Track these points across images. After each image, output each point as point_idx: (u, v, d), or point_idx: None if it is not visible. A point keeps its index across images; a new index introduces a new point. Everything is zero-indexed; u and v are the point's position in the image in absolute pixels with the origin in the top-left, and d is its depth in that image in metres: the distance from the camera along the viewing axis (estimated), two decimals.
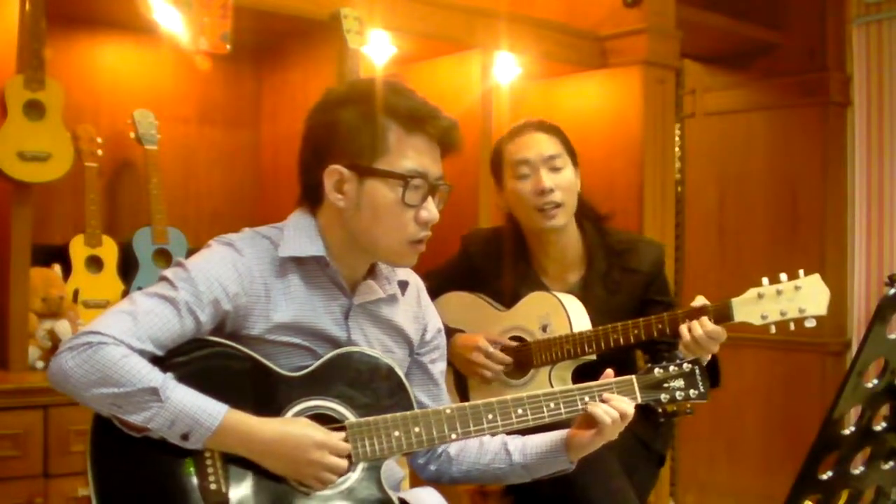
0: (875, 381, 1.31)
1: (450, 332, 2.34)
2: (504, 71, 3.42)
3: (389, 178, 1.60)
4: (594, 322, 2.25)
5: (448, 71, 3.31)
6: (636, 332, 2.17)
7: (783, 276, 2.06)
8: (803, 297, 2.03)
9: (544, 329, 2.28)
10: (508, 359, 2.30)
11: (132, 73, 2.99)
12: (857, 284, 4.22)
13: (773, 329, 2.07)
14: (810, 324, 2.04)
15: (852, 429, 1.31)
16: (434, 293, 2.44)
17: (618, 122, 3.43)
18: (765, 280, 2.08)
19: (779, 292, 2.05)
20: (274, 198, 3.15)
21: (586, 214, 2.39)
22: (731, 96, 4.50)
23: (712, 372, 2.14)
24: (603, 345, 2.20)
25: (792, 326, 2.06)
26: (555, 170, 2.30)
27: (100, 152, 2.78)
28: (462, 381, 2.40)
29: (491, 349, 2.29)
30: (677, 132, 4.43)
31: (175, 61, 2.95)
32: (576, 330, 2.23)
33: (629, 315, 2.23)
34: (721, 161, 4.52)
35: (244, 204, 3.20)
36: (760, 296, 2.06)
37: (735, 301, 2.08)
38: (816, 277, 2.04)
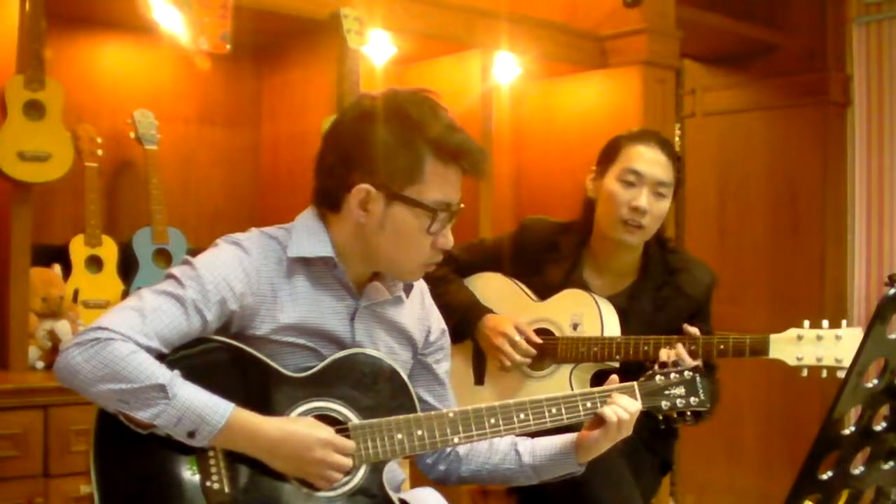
0: (875, 381, 1.31)
1: (482, 310, 2.34)
2: (504, 71, 3.42)
3: (418, 207, 1.60)
4: (632, 333, 2.23)
5: (448, 71, 3.31)
6: (668, 348, 2.15)
7: (825, 323, 2.06)
8: (842, 347, 2.02)
9: (574, 327, 2.26)
10: (533, 351, 2.28)
11: (132, 73, 2.99)
12: (857, 284, 4.22)
13: (804, 372, 2.07)
14: (842, 374, 2.02)
15: (852, 429, 1.31)
16: (471, 269, 2.44)
17: (618, 121, 3.42)
18: (806, 322, 2.07)
19: (818, 338, 2.05)
20: (274, 198, 3.16)
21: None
22: (731, 96, 4.50)
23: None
24: (632, 354, 2.18)
25: (824, 374, 2.06)
26: (658, 196, 2.27)
27: (100, 152, 2.78)
28: (480, 360, 2.39)
29: (517, 338, 2.28)
30: (677, 132, 4.43)
31: (175, 61, 2.95)
32: (606, 335, 2.22)
33: (669, 334, 2.21)
34: (721, 161, 4.52)
35: (244, 204, 3.20)
36: (800, 337, 2.06)
37: (773, 337, 2.08)
38: (858, 331, 2.03)
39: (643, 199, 2.25)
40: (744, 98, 4.45)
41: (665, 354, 2.06)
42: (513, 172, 3.79)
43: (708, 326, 2.33)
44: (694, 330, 2.16)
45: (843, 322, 2.05)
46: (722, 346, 2.12)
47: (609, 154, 2.34)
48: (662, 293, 2.31)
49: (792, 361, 2.06)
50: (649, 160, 2.28)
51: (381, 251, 1.64)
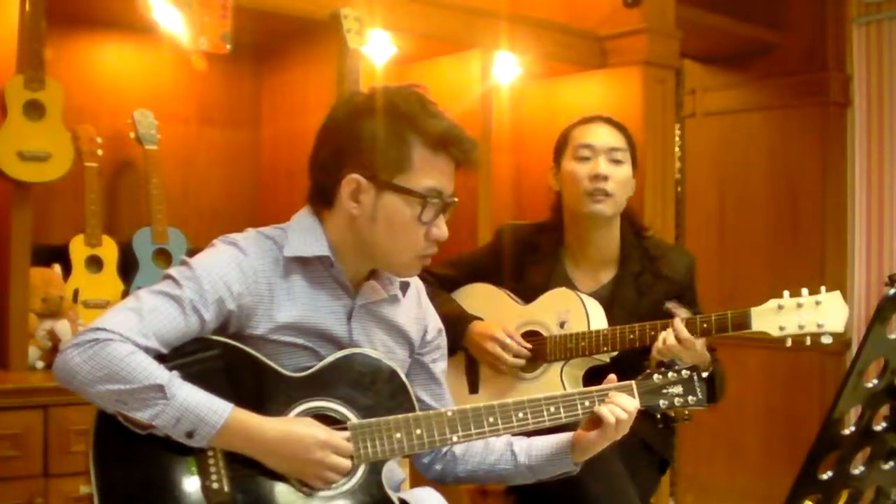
0: (875, 381, 1.31)
1: (469, 318, 2.36)
2: (504, 71, 3.42)
3: (409, 195, 1.61)
4: (619, 323, 2.25)
5: (448, 71, 3.31)
6: (653, 334, 2.17)
7: (804, 291, 2.08)
8: (823, 312, 2.04)
9: (562, 325, 2.28)
10: (525, 352, 2.30)
11: (132, 73, 2.99)
12: (857, 284, 4.22)
13: (788, 342, 2.08)
14: (826, 340, 2.05)
15: (852, 429, 1.31)
16: (458, 283, 2.47)
17: None
18: (785, 293, 2.08)
19: (799, 305, 2.06)
20: (273, 198, 3.16)
21: (628, 218, 2.41)
22: (731, 96, 4.50)
23: (708, 388, 2.17)
24: (619, 344, 2.20)
25: (808, 341, 2.07)
26: (615, 162, 2.34)
27: (100, 152, 2.78)
28: (473, 367, 2.40)
29: (507, 341, 2.30)
30: (677, 132, 4.42)
31: (175, 61, 2.95)
32: (593, 329, 2.23)
33: (653, 320, 2.22)
34: (721, 161, 4.52)
35: (244, 204, 3.20)
36: (780, 307, 2.08)
37: (754, 310, 2.10)
38: (837, 294, 2.05)
39: (601, 166, 2.31)
40: (744, 98, 4.45)
41: (661, 338, 2.09)
42: (513, 172, 3.79)
43: (696, 309, 2.34)
44: (681, 310, 2.16)
45: (823, 288, 2.06)
46: (705, 325, 2.14)
47: (560, 144, 2.43)
48: (643, 279, 2.34)
49: (775, 332, 2.08)
50: (596, 132, 2.37)
51: (375, 244, 1.64)
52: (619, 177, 2.33)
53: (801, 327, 2.06)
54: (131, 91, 2.96)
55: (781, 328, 2.07)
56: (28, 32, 2.44)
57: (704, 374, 2.10)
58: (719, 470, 4.45)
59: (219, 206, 3.16)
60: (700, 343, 2.13)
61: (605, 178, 2.30)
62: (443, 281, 2.45)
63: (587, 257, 2.39)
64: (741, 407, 4.29)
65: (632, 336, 2.19)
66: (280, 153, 3.14)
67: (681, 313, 2.16)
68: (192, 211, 3.09)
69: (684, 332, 2.10)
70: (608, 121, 2.40)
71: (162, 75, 3.03)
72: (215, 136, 3.17)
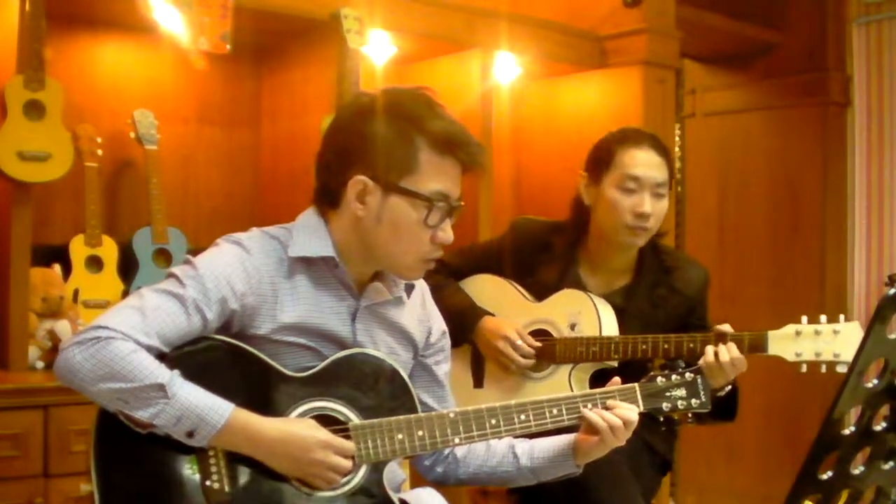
0: (875, 381, 1.31)
1: (480, 312, 2.35)
2: (504, 71, 3.42)
3: (415, 198, 1.60)
4: (630, 332, 2.24)
5: (448, 71, 3.31)
6: (666, 346, 2.16)
7: (823, 318, 2.06)
8: (840, 342, 2.03)
9: (572, 327, 2.27)
10: (533, 353, 2.29)
11: (132, 73, 2.99)
12: (857, 284, 4.22)
13: (804, 368, 2.07)
14: (841, 369, 2.03)
15: (852, 429, 1.31)
16: (463, 274, 2.45)
17: (618, 122, 3.38)
18: (804, 318, 2.08)
19: (817, 333, 2.05)
20: (273, 198, 3.16)
21: None
22: (731, 96, 4.50)
23: (730, 404, 2.18)
24: (630, 353, 2.19)
25: (823, 369, 2.06)
26: (658, 196, 2.28)
27: (100, 152, 2.78)
28: (479, 361, 2.39)
29: (519, 342, 2.29)
30: (677, 132, 4.43)
31: (175, 61, 2.95)
32: (604, 334, 2.23)
33: (666, 332, 2.22)
34: (721, 161, 4.52)
35: (244, 204, 3.20)
36: (798, 333, 2.07)
37: (771, 334, 2.09)
38: (856, 325, 2.04)
39: (647, 204, 2.25)
40: (744, 98, 4.45)
41: (711, 351, 2.09)
42: (513, 172, 3.79)
43: (706, 323, 2.34)
44: (727, 327, 2.16)
45: (841, 317, 2.06)
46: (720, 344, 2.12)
47: (603, 160, 2.32)
48: (658, 292, 2.33)
49: (791, 357, 2.07)
50: (646, 163, 2.27)
51: (379, 245, 1.64)
52: (659, 212, 2.29)
53: (817, 355, 2.04)
54: (131, 91, 2.96)
55: (798, 354, 2.06)
56: (28, 32, 2.44)
57: (728, 389, 2.12)
58: (719, 470, 4.45)
59: (219, 206, 3.16)
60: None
61: (649, 216, 2.26)
62: (452, 270, 2.43)
63: (604, 268, 2.37)
64: (741, 407, 4.28)
65: (644, 346, 2.17)
66: (280, 153, 3.14)
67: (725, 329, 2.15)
68: (192, 211, 3.09)
69: (736, 352, 2.09)
70: (655, 145, 2.31)
71: (162, 75, 3.03)
72: (215, 135, 3.18)
